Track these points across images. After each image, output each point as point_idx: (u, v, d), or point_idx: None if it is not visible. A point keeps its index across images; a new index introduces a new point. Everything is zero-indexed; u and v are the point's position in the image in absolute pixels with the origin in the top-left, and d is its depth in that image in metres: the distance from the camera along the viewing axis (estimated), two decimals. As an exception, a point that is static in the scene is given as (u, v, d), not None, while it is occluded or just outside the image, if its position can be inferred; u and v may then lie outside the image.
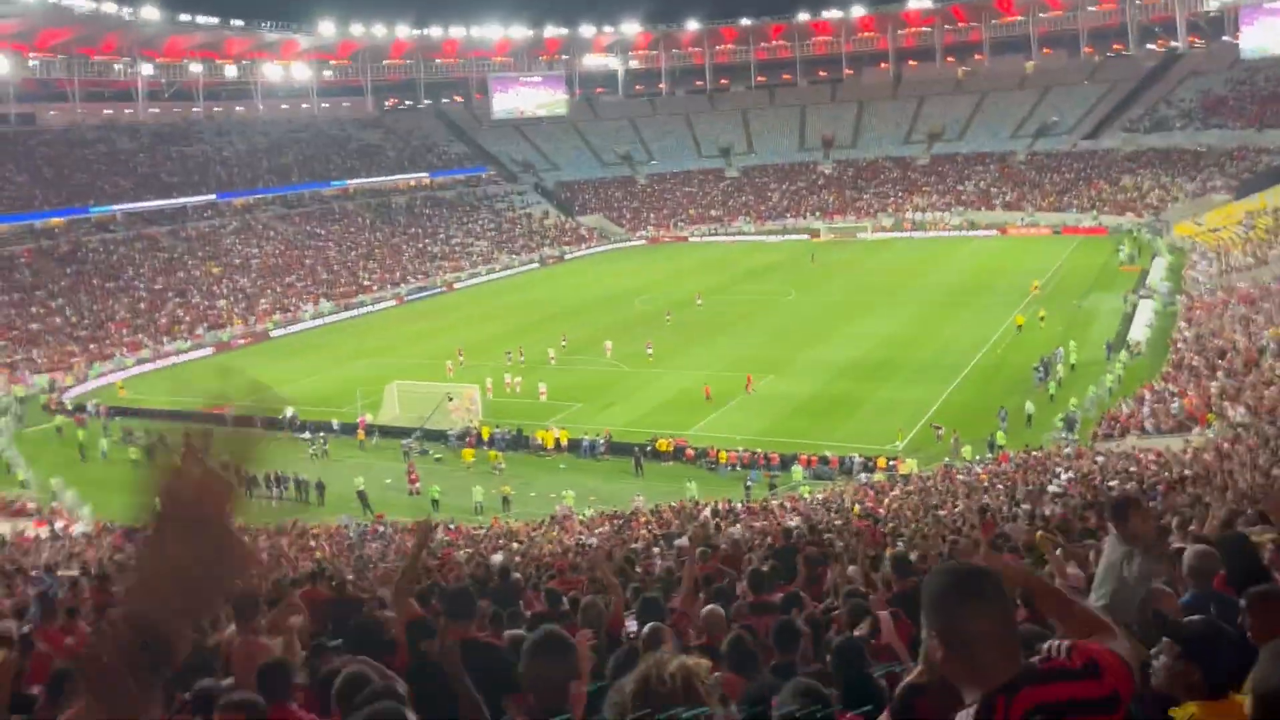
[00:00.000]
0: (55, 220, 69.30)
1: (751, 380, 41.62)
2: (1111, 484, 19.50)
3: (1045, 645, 2.39)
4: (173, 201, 76.67)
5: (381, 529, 28.96)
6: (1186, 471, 19.23)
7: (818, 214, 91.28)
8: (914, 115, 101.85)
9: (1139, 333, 45.27)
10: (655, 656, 2.12)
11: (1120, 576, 5.50)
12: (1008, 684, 2.17)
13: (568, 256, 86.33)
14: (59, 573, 18.63)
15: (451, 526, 28.38)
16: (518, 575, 12.60)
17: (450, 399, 40.46)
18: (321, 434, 40.18)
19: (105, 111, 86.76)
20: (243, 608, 6.78)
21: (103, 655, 1.15)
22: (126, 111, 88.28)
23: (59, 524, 30.54)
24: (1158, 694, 3.37)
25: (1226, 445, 23.34)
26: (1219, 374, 34.68)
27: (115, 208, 73.09)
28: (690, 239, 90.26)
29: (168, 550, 1.20)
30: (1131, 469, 22.64)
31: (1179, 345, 41.10)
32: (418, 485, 34.78)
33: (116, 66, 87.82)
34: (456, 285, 75.72)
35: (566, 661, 3.73)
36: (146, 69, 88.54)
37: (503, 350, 49.39)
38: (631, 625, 6.23)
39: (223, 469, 1.34)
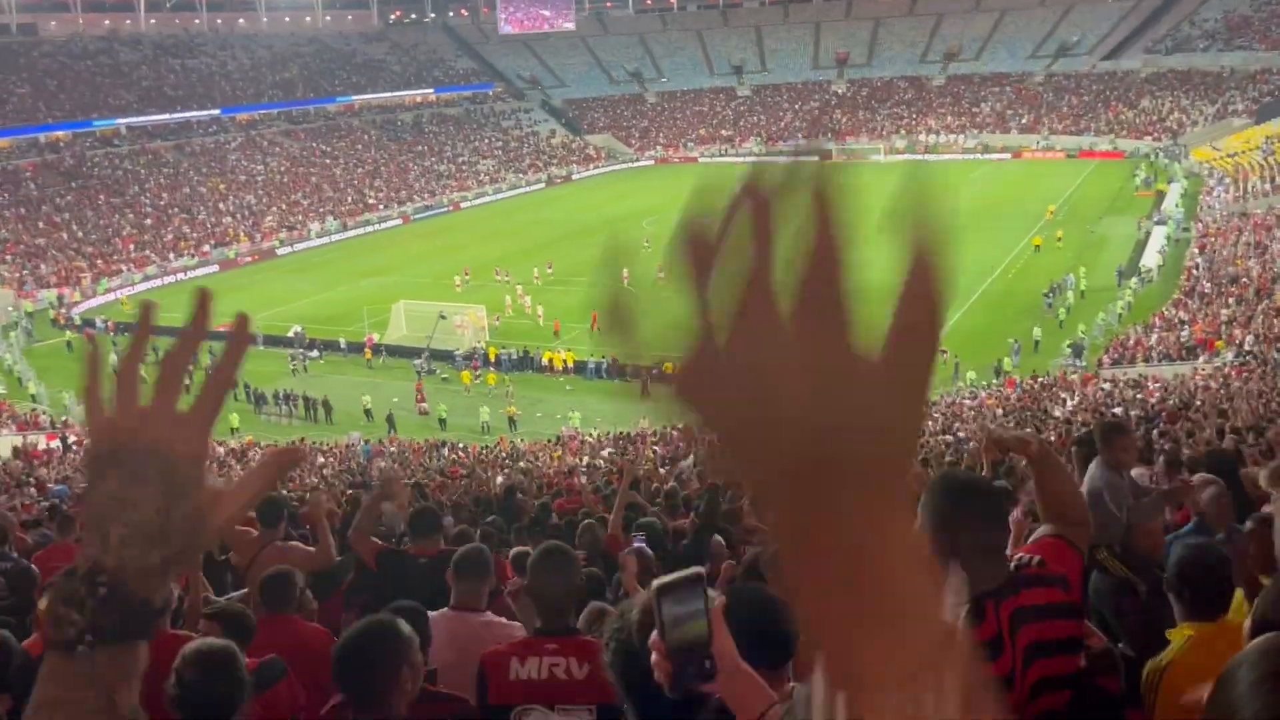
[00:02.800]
0: (59, 134, 68.66)
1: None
2: (1116, 410, 19.53)
3: (1017, 557, 2.63)
4: (176, 116, 75.79)
5: (391, 449, 29.25)
6: (1197, 400, 19.22)
7: (829, 135, 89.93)
8: (931, 33, 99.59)
9: (1151, 259, 44.88)
10: (624, 605, 2.19)
11: (1105, 505, 5.48)
12: (998, 589, 2.41)
13: (575, 176, 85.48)
14: (76, 487, 18.91)
15: (462, 447, 28.65)
16: (521, 495, 12.75)
17: (443, 317, 40.26)
18: (302, 350, 40.41)
19: (106, 22, 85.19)
20: (268, 514, 6.86)
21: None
22: (127, 22, 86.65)
23: (71, 438, 30.88)
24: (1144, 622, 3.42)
25: (1234, 373, 23.31)
26: (1230, 301, 34.50)
27: (119, 121, 72.28)
28: (700, 159, 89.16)
29: (109, 490, 0.96)
30: (1137, 395, 22.65)
31: (1191, 272, 40.81)
32: (425, 405, 35.01)
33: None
34: (463, 205, 75.17)
35: (567, 574, 3.86)
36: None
37: (507, 269, 49.20)
38: (639, 545, 6.31)
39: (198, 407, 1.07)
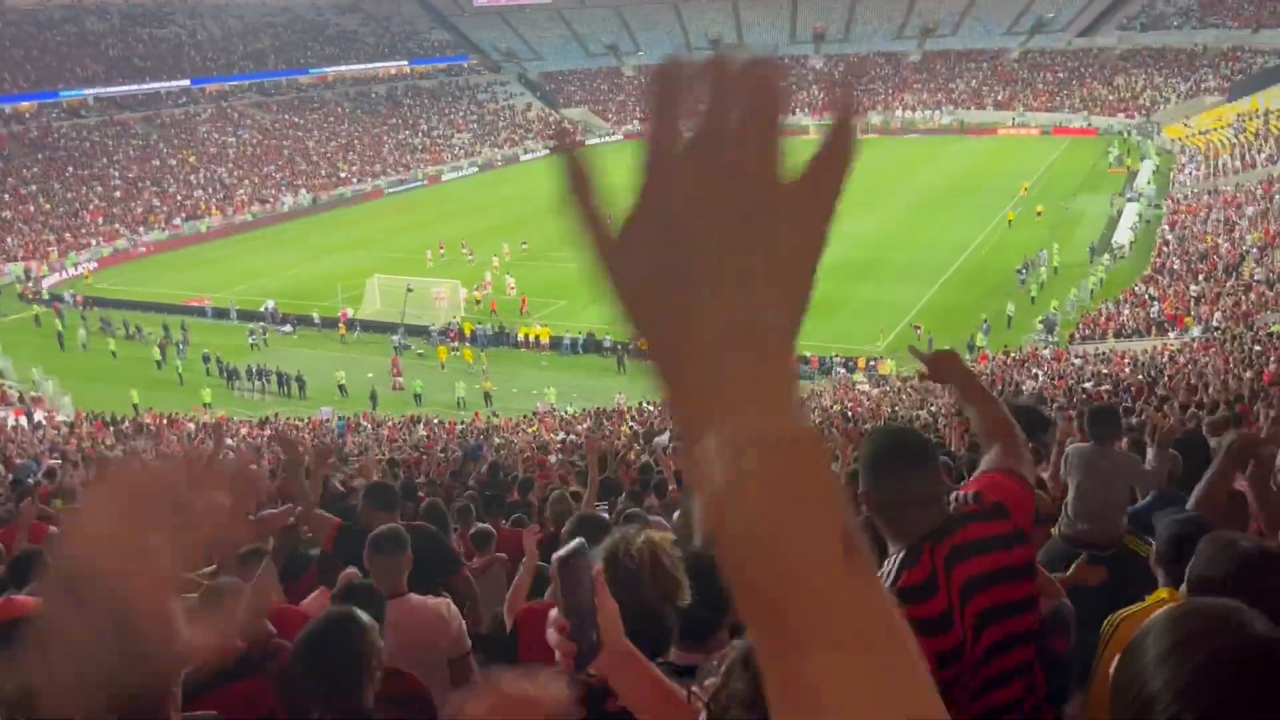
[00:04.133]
0: (24, 104, 67.40)
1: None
2: (1086, 385, 19.76)
3: (953, 495, 2.64)
4: (145, 86, 74.55)
5: (363, 424, 29.15)
6: (1165, 376, 19.47)
7: (806, 110, 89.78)
8: (908, 8, 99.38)
9: (1123, 236, 45.26)
10: (622, 532, 2.17)
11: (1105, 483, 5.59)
12: (932, 531, 2.42)
13: (549, 152, 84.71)
14: (46, 461, 18.72)
15: (436, 422, 28.59)
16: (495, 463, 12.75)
17: (410, 290, 39.95)
18: (263, 324, 40.15)
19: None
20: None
21: None
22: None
23: (38, 414, 30.55)
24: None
25: (1201, 348, 23.62)
26: (1199, 278, 34.88)
27: (86, 92, 71.03)
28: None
29: (58, 619, 0.86)
30: (1106, 371, 22.90)
31: (1162, 249, 41.19)
32: (401, 380, 34.85)
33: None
34: (438, 179, 74.57)
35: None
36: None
37: (493, 243, 48.95)
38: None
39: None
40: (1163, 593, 3.24)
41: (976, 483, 2.70)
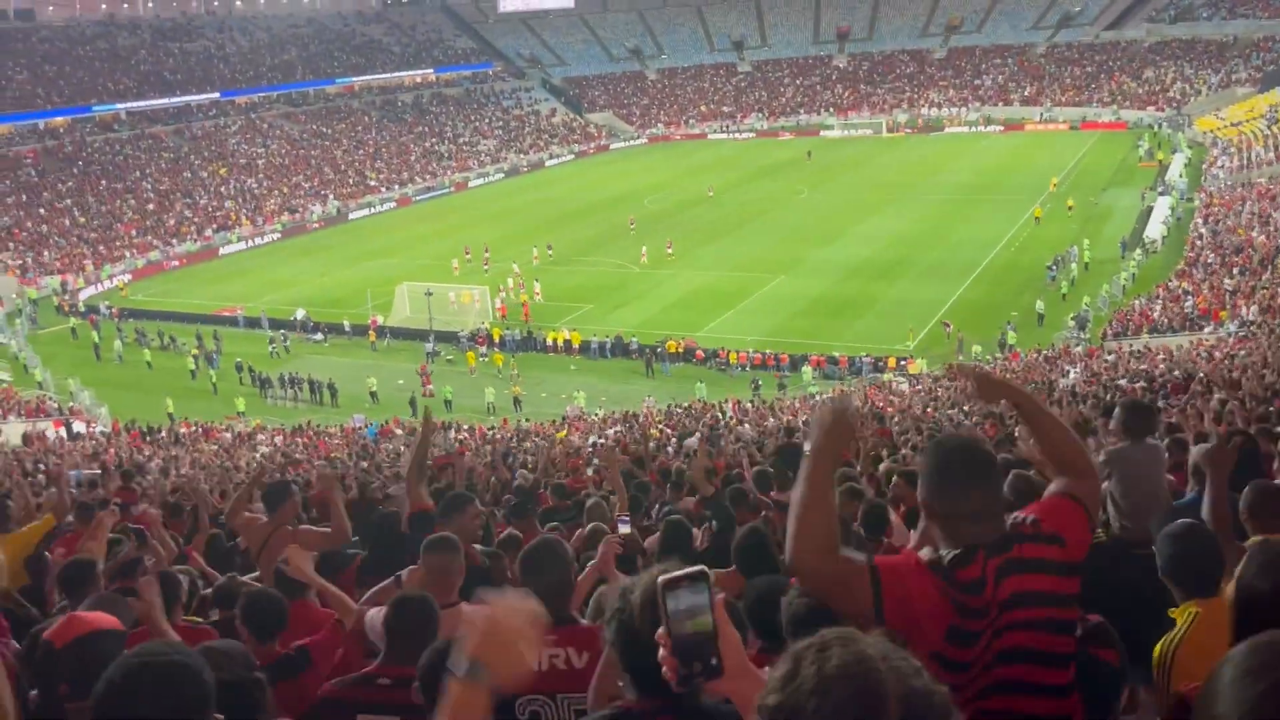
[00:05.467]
0: (58, 120, 68.50)
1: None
2: (1120, 382, 19.54)
3: (1013, 516, 2.66)
4: (176, 100, 75.55)
5: (398, 431, 29.34)
6: (1200, 372, 19.21)
7: (831, 110, 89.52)
8: (932, 5, 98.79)
9: (1155, 230, 44.72)
10: (661, 565, 2.21)
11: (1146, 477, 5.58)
12: (990, 544, 2.48)
13: (575, 157, 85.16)
14: (85, 471, 19.00)
15: (467, 428, 28.71)
16: (528, 474, 12.78)
17: (429, 294, 40.06)
18: (282, 332, 40.55)
19: (103, 6, 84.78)
20: (273, 498, 6.92)
21: None
22: (125, 6, 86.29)
23: (77, 424, 31.02)
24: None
25: (1237, 344, 23.29)
26: (1234, 271, 34.40)
27: (119, 106, 72.08)
28: (709, 135, 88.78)
29: None
30: (1141, 367, 22.64)
31: (1195, 242, 40.66)
32: (430, 388, 35.02)
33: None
34: (464, 186, 74.98)
35: (558, 566, 3.91)
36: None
37: (518, 249, 49.15)
38: (624, 528, 6.32)
39: None
40: (1191, 606, 3.26)
41: (1039, 507, 2.71)
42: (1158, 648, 3.17)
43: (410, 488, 6.14)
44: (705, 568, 1.86)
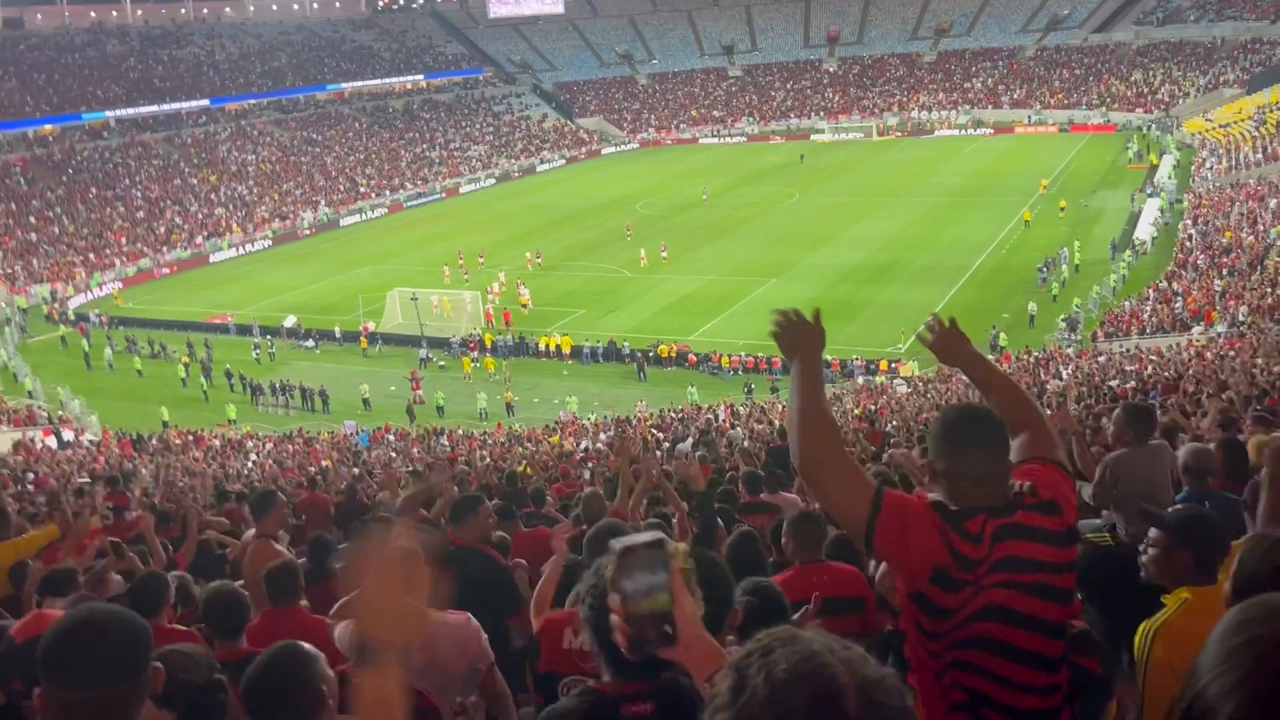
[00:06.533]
0: (47, 127, 68.26)
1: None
2: (1112, 383, 19.58)
3: (1011, 483, 2.68)
4: (165, 107, 75.34)
5: (389, 436, 29.26)
6: (1189, 371, 19.25)
7: (821, 114, 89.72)
8: (921, 9, 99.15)
9: (1144, 231, 44.87)
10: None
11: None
12: (991, 508, 2.53)
13: (566, 162, 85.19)
14: (75, 480, 18.90)
15: (458, 433, 28.66)
16: (522, 483, 12.75)
17: (414, 299, 39.89)
18: (269, 338, 40.45)
19: (92, 14, 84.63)
20: (262, 506, 6.88)
21: None
22: (114, 14, 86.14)
23: (66, 433, 30.87)
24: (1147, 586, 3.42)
25: (1227, 344, 23.36)
26: (1223, 272, 34.53)
27: (108, 113, 71.86)
28: (700, 140, 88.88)
29: None
30: (1130, 368, 22.70)
31: (1184, 244, 40.80)
32: (420, 394, 34.83)
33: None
34: (455, 191, 74.93)
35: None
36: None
37: (510, 255, 49.09)
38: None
39: None
40: (1183, 592, 3.20)
41: (1028, 473, 2.71)
42: (1140, 628, 3.12)
43: (405, 505, 5.97)
44: (662, 535, 1.82)
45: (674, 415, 27.26)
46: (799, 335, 2.64)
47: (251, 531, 6.82)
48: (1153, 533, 3.46)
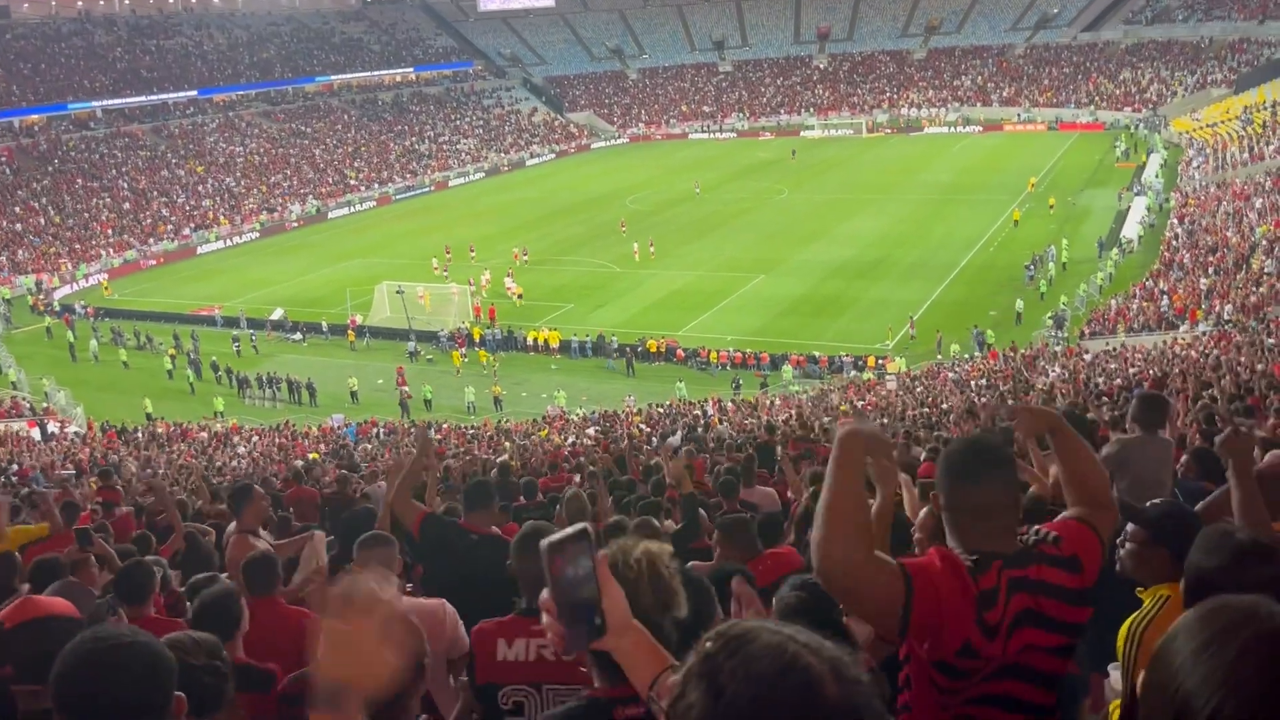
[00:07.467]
0: (33, 117, 67.78)
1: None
2: (1098, 380, 19.68)
3: (1035, 529, 2.64)
4: (153, 98, 74.90)
5: (375, 430, 29.20)
6: (1175, 369, 19.36)
7: (811, 110, 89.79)
8: (912, 6, 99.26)
9: (1131, 230, 45.06)
10: (620, 542, 2.17)
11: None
12: (1009, 557, 2.47)
13: (555, 156, 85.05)
14: (58, 472, 18.82)
15: (443, 426, 28.60)
16: (513, 477, 12.73)
17: (400, 292, 39.75)
18: (251, 332, 40.31)
19: (79, 3, 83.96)
20: (239, 500, 6.86)
21: None
22: (101, 3, 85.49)
23: (51, 425, 30.71)
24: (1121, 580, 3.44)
25: (1211, 342, 23.49)
26: (1209, 271, 34.71)
27: (95, 104, 71.39)
28: (690, 135, 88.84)
29: None
30: (1116, 366, 22.81)
31: (1171, 242, 41.00)
32: (406, 388, 34.54)
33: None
34: (444, 185, 74.72)
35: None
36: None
37: (499, 248, 48.98)
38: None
39: None
40: (1164, 589, 3.19)
41: (1060, 525, 2.69)
42: (1124, 627, 3.12)
43: (399, 503, 5.78)
44: (586, 525, 1.79)
45: (661, 411, 27.27)
46: (849, 438, 2.41)
47: (233, 525, 6.81)
48: (1130, 528, 3.43)
